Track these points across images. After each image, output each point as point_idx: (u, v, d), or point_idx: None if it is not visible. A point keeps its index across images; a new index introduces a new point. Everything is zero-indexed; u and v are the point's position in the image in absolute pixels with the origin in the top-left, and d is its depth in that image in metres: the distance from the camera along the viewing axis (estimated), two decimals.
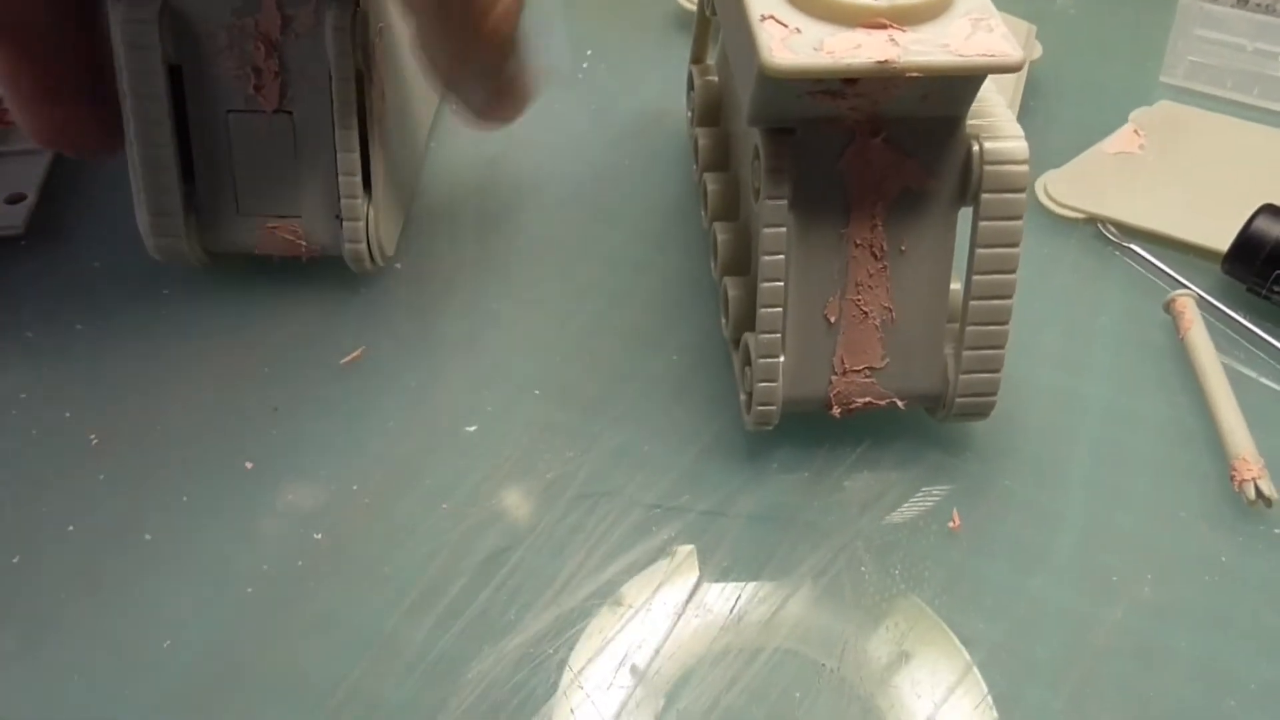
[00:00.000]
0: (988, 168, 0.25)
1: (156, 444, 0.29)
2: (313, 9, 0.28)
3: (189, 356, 0.31)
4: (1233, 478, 0.28)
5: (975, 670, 0.25)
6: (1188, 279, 0.35)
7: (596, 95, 0.43)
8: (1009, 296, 0.27)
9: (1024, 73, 0.41)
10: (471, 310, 0.33)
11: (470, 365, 0.32)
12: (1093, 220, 0.37)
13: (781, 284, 0.26)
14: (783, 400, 0.28)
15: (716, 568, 0.26)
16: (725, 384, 0.31)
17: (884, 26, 0.23)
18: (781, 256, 0.26)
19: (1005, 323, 0.27)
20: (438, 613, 0.25)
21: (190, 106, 0.29)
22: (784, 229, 0.26)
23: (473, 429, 0.29)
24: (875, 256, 0.27)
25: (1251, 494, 0.28)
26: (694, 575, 0.26)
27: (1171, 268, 0.35)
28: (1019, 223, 0.26)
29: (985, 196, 0.26)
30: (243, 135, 0.30)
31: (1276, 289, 0.33)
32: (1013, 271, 0.26)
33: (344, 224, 0.30)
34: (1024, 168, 0.26)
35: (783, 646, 0.25)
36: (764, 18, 0.24)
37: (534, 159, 0.39)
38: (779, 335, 0.27)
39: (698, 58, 0.38)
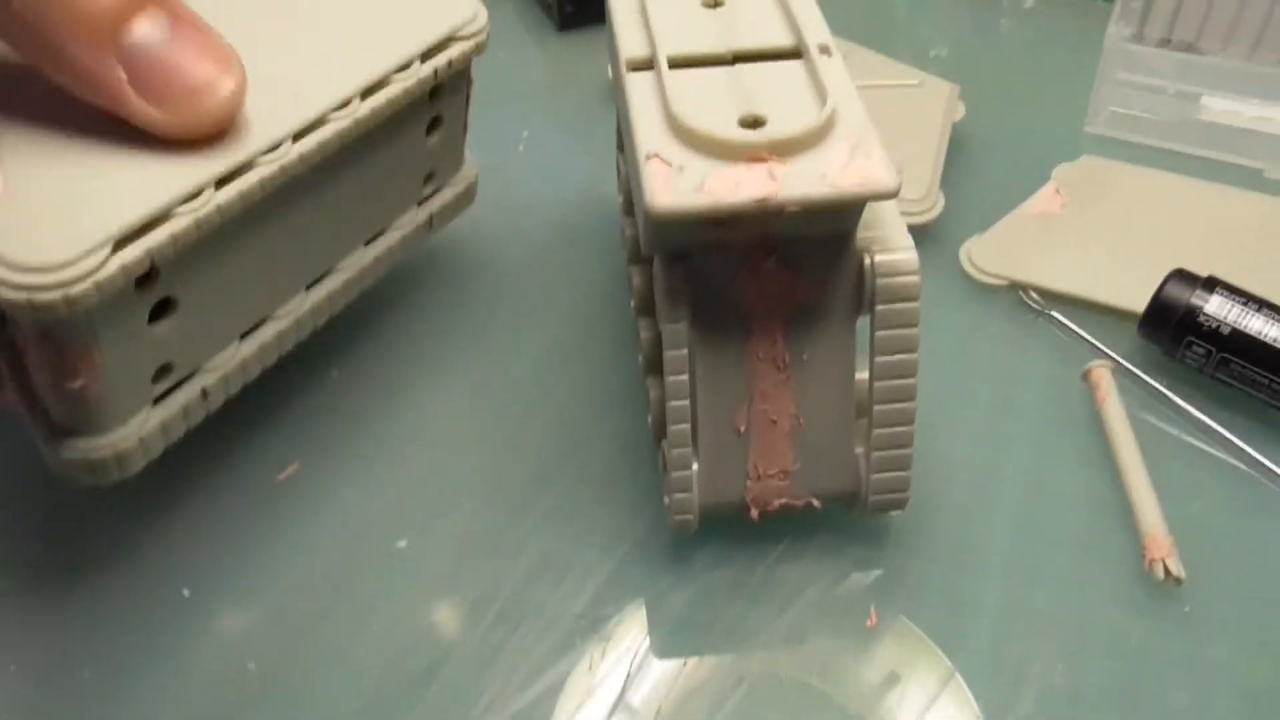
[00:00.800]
0: (880, 280, 0.26)
1: (92, 575, 0.30)
2: None
3: (127, 482, 0.32)
4: (1144, 556, 0.29)
5: None
6: (1108, 343, 0.35)
7: (531, 176, 0.44)
8: (911, 399, 0.27)
9: (946, 136, 0.42)
10: (404, 411, 0.34)
11: (402, 473, 0.32)
12: (1015, 286, 0.38)
13: (687, 402, 0.27)
14: (700, 507, 0.28)
15: (640, 677, 0.27)
16: (651, 479, 0.32)
17: (764, 160, 0.24)
18: (685, 376, 0.27)
19: (910, 423, 0.28)
20: None
21: None
22: (685, 350, 0.26)
23: (403, 544, 0.30)
24: (778, 368, 0.27)
25: (1160, 573, 0.29)
26: (617, 689, 0.27)
27: (1092, 332, 0.36)
28: (914, 330, 0.27)
29: (880, 308, 0.26)
30: None
31: (1188, 353, 0.34)
32: (912, 376, 0.27)
33: None
34: (915, 278, 0.26)
35: None
36: (649, 156, 0.24)
37: (468, 244, 0.40)
38: (690, 449, 0.27)
39: (622, 144, 0.39)
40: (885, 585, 0.29)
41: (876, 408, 0.27)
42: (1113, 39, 0.47)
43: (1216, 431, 0.33)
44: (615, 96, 0.36)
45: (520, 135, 0.46)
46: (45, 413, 0.26)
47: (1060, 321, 0.36)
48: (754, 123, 0.25)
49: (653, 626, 0.28)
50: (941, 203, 0.39)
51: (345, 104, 0.28)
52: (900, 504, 0.29)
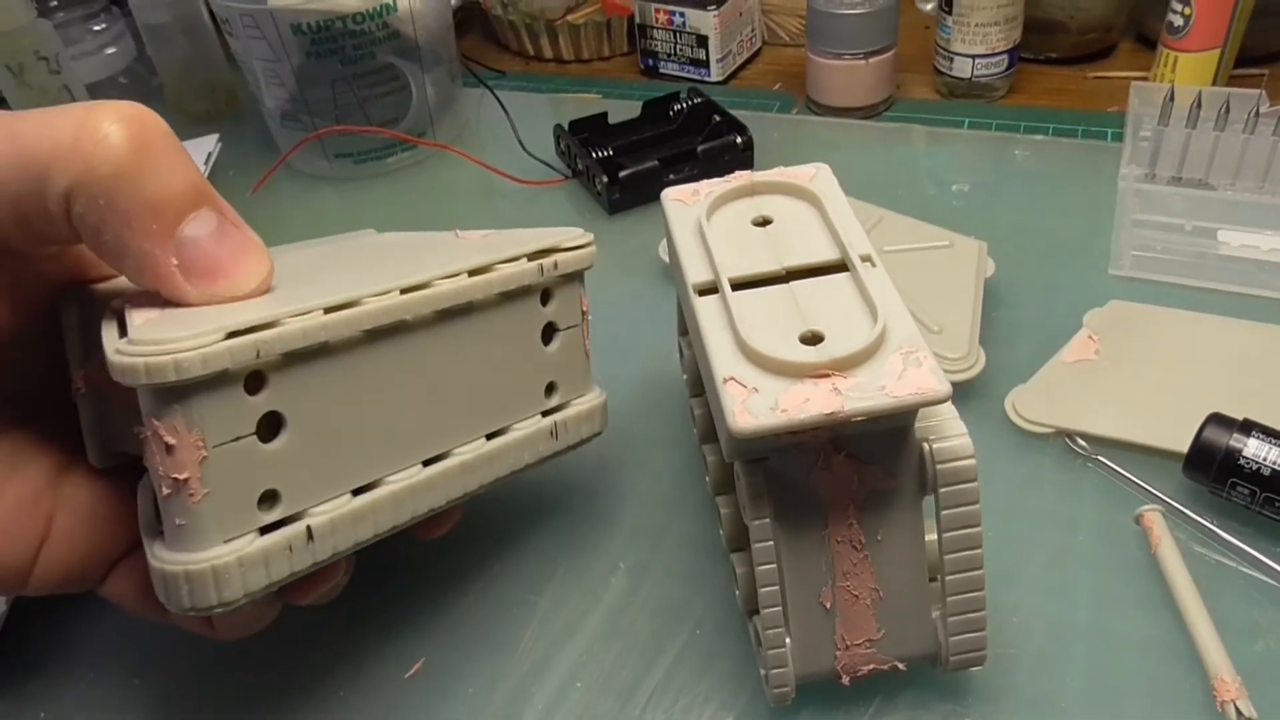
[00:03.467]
0: (940, 466, 0.29)
1: None
2: None
3: (264, 684, 0.35)
4: (1215, 698, 0.31)
5: None
6: (1155, 484, 0.38)
7: (597, 362, 0.48)
8: (979, 567, 0.30)
9: (980, 293, 0.45)
10: (511, 605, 0.37)
11: (518, 663, 0.35)
12: (1061, 434, 0.41)
13: (777, 586, 0.30)
14: (795, 677, 0.31)
15: None
16: (746, 652, 0.34)
17: (827, 376, 0.28)
18: (773, 564, 0.30)
19: (981, 589, 0.30)
20: None
21: None
22: (771, 542, 0.30)
23: None
24: (855, 549, 0.30)
25: (1233, 715, 0.31)
26: None
27: (1139, 474, 0.39)
28: (976, 506, 0.30)
29: (942, 490, 0.29)
30: None
31: (1234, 493, 0.36)
32: (978, 546, 0.30)
33: None
34: (971, 461, 0.29)
35: None
36: (726, 380, 0.28)
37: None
38: (783, 628, 0.30)
39: (684, 330, 0.43)
40: None
41: (948, 577, 0.30)
42: (1126, 180, 0.51)
43: (1271, 567, 0.35)
44: (680, 299, 0.40)
45: None
46: (160, 528, 0.27)
47: (1108, 466, 0.39)
48: (813, 339, 0.29)
49: None
50: (983, 358, 0.43)
51: (453, 275, 0.31)
52: (979, 661, 0.31)
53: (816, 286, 0.31)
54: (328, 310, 0.27)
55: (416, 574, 0.38)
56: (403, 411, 0.30)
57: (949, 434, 0.30)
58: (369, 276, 0.30)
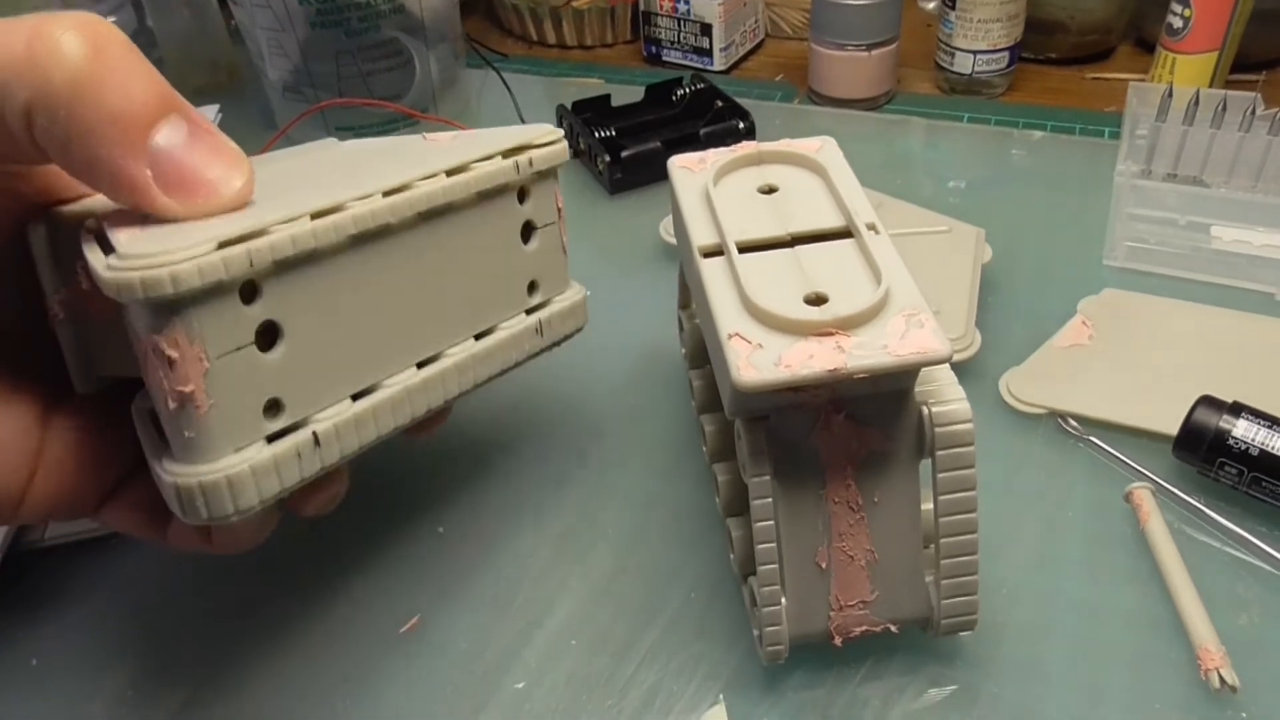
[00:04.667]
0: (938, 429, 0.30)
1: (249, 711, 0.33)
2: None
3: (264, 637, 0.35)
4: (1199, 667, 0.32)
5: None
6: (1144, 464, 0.39)
7: (597, 336, 0.48)
8: (973, 531, 0.31)
9: (977, 278, 0.46)
10: (508, 562, 0.38)
11: (511, 621, 0.36)
12: (1053, 414, 0.41)
13: (774, 544, 0.30)
14: (789, 637, 0.31)
15: None
16: (739, 615, 0.35)
17: (831, 334, 0.28)
18: (771, 522, 0.30)
19: (974, 553, 0.31)
20: None
21: None
22: (770, 499, 0.30)
23: (520, 685, 0.33)
24: (853, 510, 0.31)
25: (1216, 682, 0.31)
26: None
27: (1129, 455, 0.39)
28: (972, 470, 0.30)
29: (939, 453, 0.30)
30: None
31: (1221, 473, 0.37)
32: (972, 510, 0.30)
33: None
34: (969, 425, 0.30)
35: None
36: (731, 336, 0.29)
37: (546, 398, 0.44)
38: (778, 586, 0.31)
39: (685, 303, 0.43)
40: (960, 702, 0.32)
41: (942, 540, 0.30)
42: (1122, 175, 0.51)
43: (1255, 545, 0.36)
44: (684, 268, 0.41)
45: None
46: (165, 445, 0.28)
47: (1098, 446, 0.40)
48: (817, 300, 0.29)
49: None
50: (979, 340, 0.43)
51: (431, 176, 0.31)
52: (970, 625, 0.32)
53: (821, 251, 0.32)
54: (314, 216, 0.27)
55: (412, 531, 0.39)
56: (393, 316, 0.31)
57: (948, 398, 0.30)
58: (347, 183, 0.30)
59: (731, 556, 0.35)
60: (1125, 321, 0.45)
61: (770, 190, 0.35)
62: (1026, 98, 0.68)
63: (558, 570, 0.37)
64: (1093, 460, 0.40)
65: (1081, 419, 0.41)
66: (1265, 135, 0.51)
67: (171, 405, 0.26)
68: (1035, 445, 0.41)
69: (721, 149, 0.37)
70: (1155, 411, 0.40)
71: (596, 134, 0.59)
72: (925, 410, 0.30)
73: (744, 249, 0.32)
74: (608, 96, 0.63)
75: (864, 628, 0.32)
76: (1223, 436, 0.36)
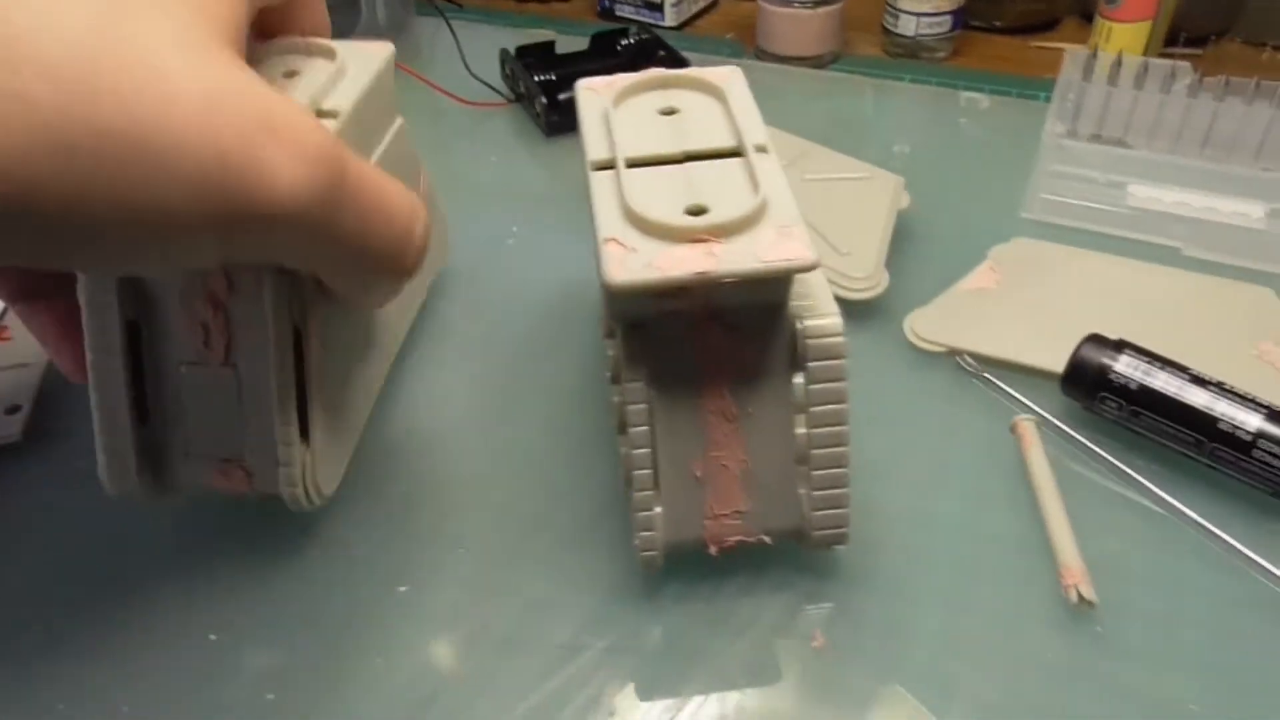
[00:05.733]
0: (810, 342, 0.31)
1: (134, 624, 0.33)
2: (255, 273, 0.31)
3: (162, 545, 0.36)
4: (1061, 584, 0.33)
5: None
6: (1034, 400, 0.40)
7: (521, 267, 0.49)
8: (844, 444, 0.31)
9: (891, 221, 0.47)
10: (405, 477, 0.38)
11: (404, 529, 0.36)
12: (953, 353, 0.42)
13: (649, 450, 0.31)
14: (664, 545, 0.32)
15: (614, 697, 0.31)
16: (625, 531, 0.35)
17: (705, 240, 0.29)
18: (645, 428, 0.31)
19: (844, 466, 0.31)
20: None
21: (145, 358, 0.32)
22: (644, 404, 0.31)
23: (404, 589, 0.34)
24: (727, 419, 0.32)
25: (1075, 598, 0.32)
26: (595, 706, 0.31)
27: (1021, 392, 0.40)
28: (842, 384, 0.31)
29: (811, 365, 0.31)
30: (193, 385, 0.32)
31: (1103, 407, 0.38)
32: (843, 424, 0.31)
33: (280, 469, 0.32)
34: (840, 339, 0.31)
35: None
36: (607, 240, 0.29)
37: (468, 331, 0.45)
38: (653, 492, 0.32)
39: None
40: (832, 615, 0.33)
41: (814, 452, 0.31)
42: (1049, 135, 0.52)
43: (1131, 476, 0.37)
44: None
45: (510, 231, 0.51)
46: None
47: (992, 383, 0.41)
48: (698, 211, 0.30)
49: (626, 653, 0.32)
50: (886, 280, 0.44)
51: None
52: (841, 539, 0.33)
53: (710, 168, 0.32)
54: None
55: None
56: None
57: (821, 312, 0.31)
58: None
59: (621, 474, 0.36)
60: (1032, 268, 0.46)
61: (671, 112, 0.35)
62: (970, 63, 0.69)
63: (456, 487, 0.38)
64: (986, 396, 0.41)
65: (979, 357, 0.42)
66: (1185, 99, 0.52)
67: None
68: (933, 382, 0.42)
69: (630, 74, 0.37)
70: (1050, 352, 0.41)
71: (536, 78, 0.59)
72: (799, 324, 0.31)
73: (635, 164, 0.32)
74: (552, 44, 0.63)
75: (738, 537, 0.33)
76: (1105, 371, 0.37)
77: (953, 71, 0.67)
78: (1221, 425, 0.35)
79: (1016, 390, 0.40)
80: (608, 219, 0.30)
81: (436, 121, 0.62)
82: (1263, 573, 0.34)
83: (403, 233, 0.28)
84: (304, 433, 0.33)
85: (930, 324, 0.43)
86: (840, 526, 0.32)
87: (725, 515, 0.32)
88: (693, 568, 0.34)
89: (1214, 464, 0.36)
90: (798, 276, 0.31)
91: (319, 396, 0.33)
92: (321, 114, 0.33)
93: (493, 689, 0.31)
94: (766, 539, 0.33)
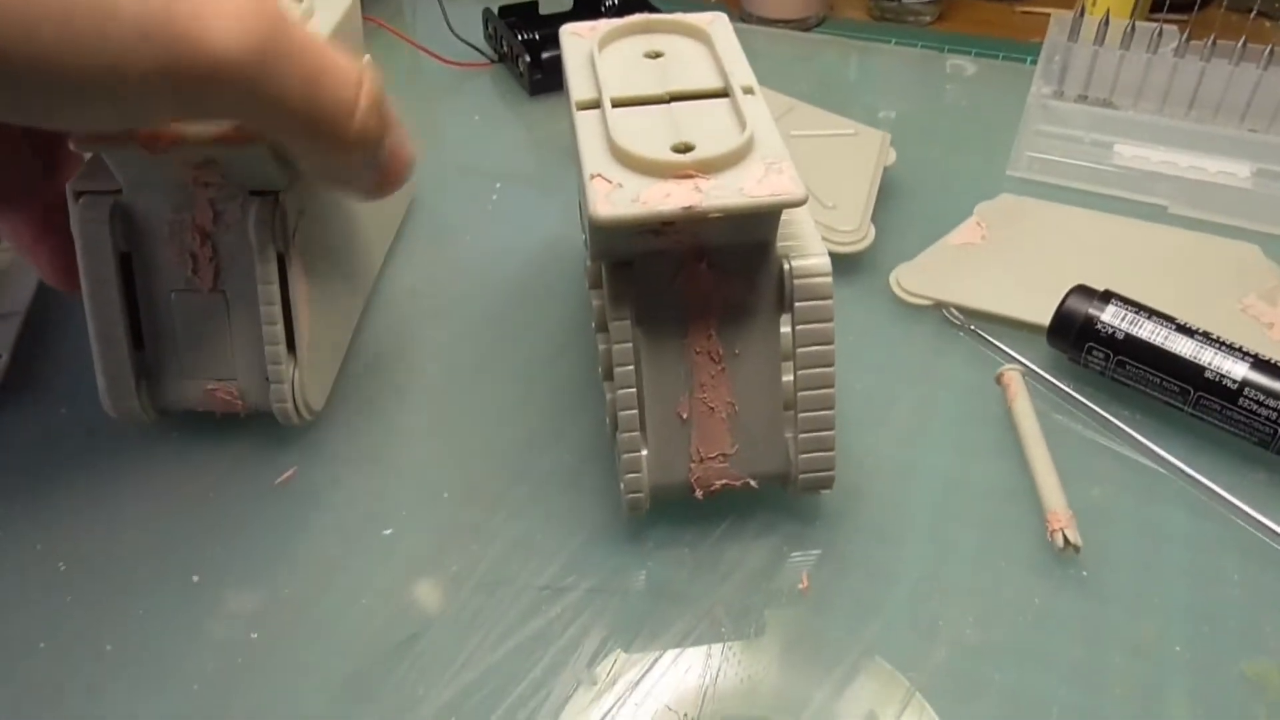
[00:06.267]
0: (797, 282, 0.30)
1: (117, 567, 0.33)
2: (239, 204, 0.33)
3: (145, 489, 0.36)
4: (1047, 528, 0.33)
5: (809, 715, 0.29)
6: (1020, 353, 0.40)
7: (504, 225, 0.49)
8: (830, 386, 0.31)
9: (878, 176, 0.46)
10: (392, 424, 0.38)
11: (389, 476, 0.36)
12: (939, 306, 0.42)
13: (634, 390, 0.31)
14: (650, 488, 0.32)
15: (597, 638, 0.31)
16: (610, 475, 0.35)
17: (691, 176, 0.29)
18: (631, 367, 0.31)
19: (830, 408, 0.31)
20: (356, 694, 0.29)
21: (139, 286, 0.34)
22: (630, 344, 0.31)
23: (389, 532, 0.34)
24: (714, 360, 0.31)
25: (1060, 542, 0.32)
26: (577, 647, 0.30)
27: (1007, 344, 0.40)
28: (829, 325, 0.31)
29: (798, 305, 0.30)
30: (184, 311, 0.34)
31: (1089, 358, 0.38)
32: (830, 365, 0.31)
33: (271, 386, 0.34)
34: (828, 279, 0.30)
35: (649, 705, 0.29)
36: (593, 175, 0.29)
37: (450, 287, 0.44)
38: (639, 434, 0.31)
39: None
40: (818, 560, 0.33)
41: (800, 394, 0.31)
42: (1035, 96, 0.52)
43: (1116, 425, 0.37)
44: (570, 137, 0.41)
45: (493, 189, 0.51)
46: None
47: (978, 335, 0.41)
48: (684, 148, 0.30)
49: (610, 594, 0.32)
50: (873, 234, 0.44)
51: None
52: (827, 483, 0.33)
53: (695, 108, 0.32)
54: None
55: None
56: None
57: (809, 252, 0.31)
58: None
59: (607, 419, 0.36)
60: (1018, 224, 0.46)
61: (656, 55, 0.35)
62: (956, 27, 0.69)
63: (440, 434, 0.38)
64: (973, 349, 0.41)
65: (965, 310, 0.42)
66: (1172, 60, 0.52)
67: None
68: (919, 334, 0.42)
69: (615, 20, 0.37)
70: (1036, 305, 0.41)
71: (520, 36, 0.59)
72: (786, 264, 0.31)
73: (620, 104, 0.32)
74: (535, 3, 0.63)
75: (724, 481, 0.32)
76: (1091, 321, 0.37)
77: (938, 35, 0.67)
78: (1208, 374, 0.35)
79: (1002, 343, 0.40)
80: (593, 156, 0.30)
81: (420, 81, 0.61)
82: (1245, 518, 0.34)
83: (349, 97, 0.28)
84: (291, 352, 0.34)
85: (916, 277, 0.43)
86: (826, 470, 0.32)
87: (711, 458, 0.32)
88: (678, 512, 0.34)
89: (1199, 413, 0.36)
90: (785, 217, 0.31)
91: (304, 317, 0.35)
92: None
93: (475, 629, 0.31)
94: (753, 483, 0.32)
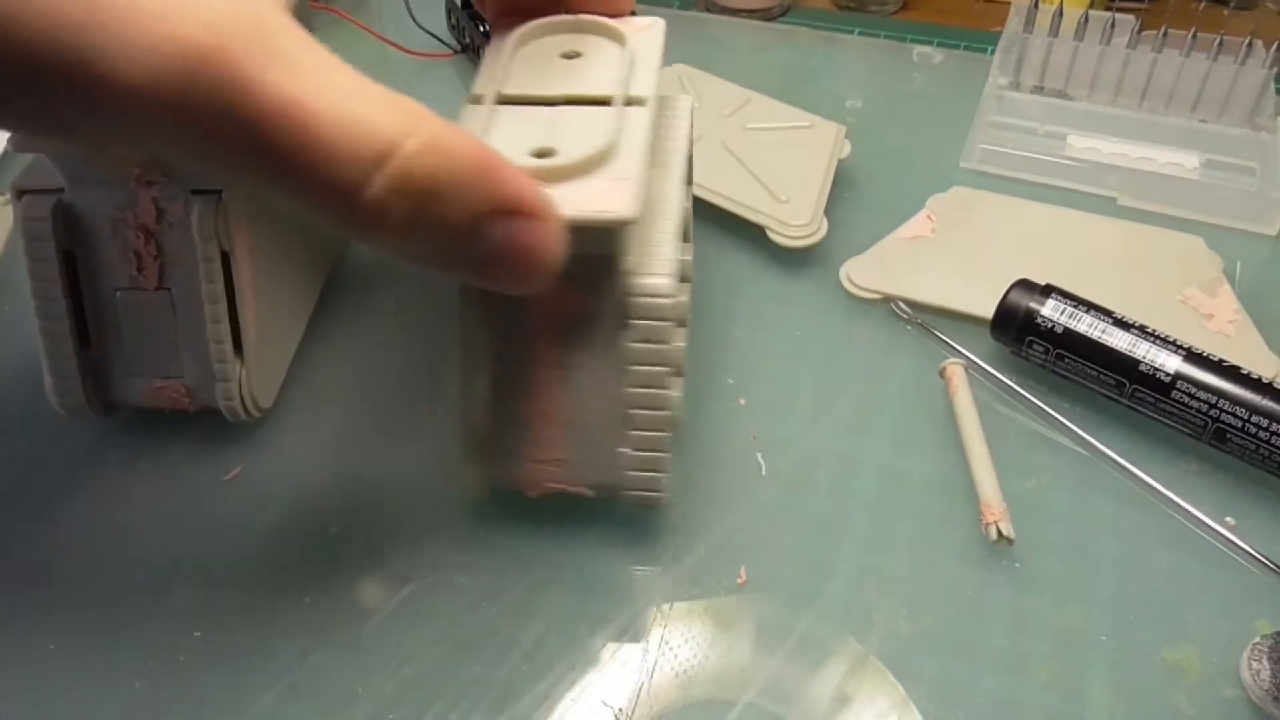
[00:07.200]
0: (636, 300, 0.30)
1: (61, 566, 0.33)
2: (183, 203, 0.33)
3: (92, 486, 0.36)
4: (982, 521, 0.34)
5: (740, 705, 0.29)
6: (966, 346, 0.40)
7: None
8: (665, 408, 0.31)
9: (831, 170, 0.47)
10: (339, 424, 0.38)
11: (336, 473, 0.36)
12: (887, 300, 0.43)
13: (476, 380, 0.31)
14: (489, 477, 0.33)
15: (535, 634, 0.31)
16: None
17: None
18: (473, 357, 0.31)
19: (664, 430, 0.31)
20: (295, 689, 0.30)
21: (84, 285, 0.34)
22: (474, 336, 0.31)
23: (334, 530, 0.34)
24: (553, 367, 0.31)
25: (994, 535, 0.33)
26: (516, 643, 0.31)
27: (952, 337, 0.41)
28: (666, 347, 0.30)
29: (634, 324, 0.30)
30: (129, 309, 0.34)
31: (1030, 351, 0.38)
32: (664, 388, 0.31)
33: (218, 384, 0.35)
34: (667, 300, 0.30)
35: (586, 698, 0.30)
36: None
37: (405, 283, 0.45)
38: (476, 421, 0.32)
39: None
40: (757, 552, 0.33)
41: (632, 412, 0.31)
42: (991, 87, 0.53)
43: (1055, 418, 0.37)
44: None
45: None
46: None
47: (925, 329, 0.41)
48: (545, 153, 0.29)
49: (550, 589, 0.32)
50: (825, 228, 0.44)
51: None
52: (656, 502, 0.32)
53: (580, 113, 0.31)
54: None
55: None
56: None
57: (653, 271, 0.30)
58: None
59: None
60: (968, 216, 0.46)
61: (573, 56, 0.35)
62: (919, 16, 0.69)
63: (385, 433, 0.38)
64: (919, 343, 0.41)
65: (913, 304, 0.42)
66: (1124, 51, 0.52)
67: None
68: (867, 329, 0.42)
69: (550, 18, 0.37)
70: (983, 298, 0.41)
71: (482, 29, 0.59)
72: (628, 281, 0.30)
73: (511, 101, 0.32)
74: None
75: (559, 485, 0.33)
76: (1032, 315, 0.38)
77: (901, 25, 0.67)
78: (1142, 367, 0.36)
79: (949, 336, 0.41)
80: None
81: (382, 73, 0.60)
82: (1177, 509, 0.34)
83: (360, 158, 0.21)
84: (238, 350, 0.35)
85: (866, 271, 0.43)
86: (656, 490, 0.32)
87: (545, 461, 0.32)
88: (619, 508, 0.34)
89: (1135, 406, 0.37)
90: (645, 232, 0.31)
91: (250, 315, 0.35)
92: None
93: (416, 626, 0.31)
94: (588, 491, 0.33)
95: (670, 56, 0.55)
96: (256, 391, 0.36)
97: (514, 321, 0.31)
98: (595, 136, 0.30)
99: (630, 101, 0.32)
